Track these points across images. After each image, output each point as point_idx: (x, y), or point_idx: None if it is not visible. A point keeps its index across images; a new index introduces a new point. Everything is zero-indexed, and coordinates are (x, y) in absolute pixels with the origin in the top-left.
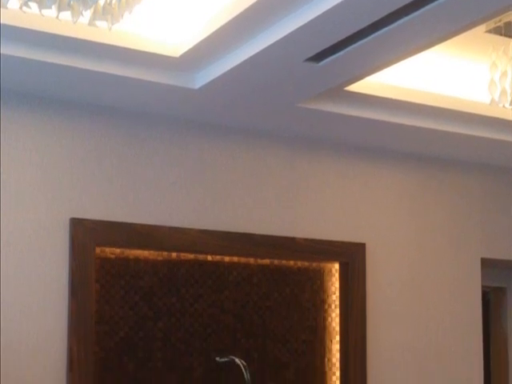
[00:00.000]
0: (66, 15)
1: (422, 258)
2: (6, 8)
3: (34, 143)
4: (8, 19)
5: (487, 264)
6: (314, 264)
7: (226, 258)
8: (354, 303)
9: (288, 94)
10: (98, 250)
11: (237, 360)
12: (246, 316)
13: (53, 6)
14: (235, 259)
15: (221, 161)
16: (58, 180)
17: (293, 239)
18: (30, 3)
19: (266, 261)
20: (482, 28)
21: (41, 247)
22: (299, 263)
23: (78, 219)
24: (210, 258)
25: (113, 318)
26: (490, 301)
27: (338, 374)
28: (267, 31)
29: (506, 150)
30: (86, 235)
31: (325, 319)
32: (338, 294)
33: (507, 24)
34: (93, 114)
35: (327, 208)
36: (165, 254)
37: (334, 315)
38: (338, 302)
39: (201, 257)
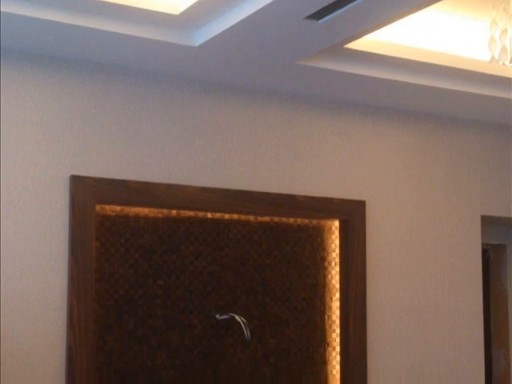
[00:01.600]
0: None
1: (422, 216)
2: None
3: (34, 101)
4: None
5: (487, 221)
6: (314, 221)
7: (226, 216)
8: (353, 260)
9: (288, 52)
10: (97, 207)
11: (237, 317)
12: (246, 273)
13: None
14: (235, 217)
15: (220, 118)
16: (58, 137)
17: (293, 197)
18: None
19: (266, 218)
20: None
21: (41, 205)
22: (299, 221)
23: (78, 177)
24: (209, 215)
25: (113, 275)
26: (490, 258)
27: (337, 331)
28: None
29: (506, 107)
30: (86, 193)
31: (325, 277)
32: (337, 251)
33: None
34: (93, 72)
35: (327, 165)
36: (165, 211)
37: (333, 272)
38: (337, 260)
39: (201, 214)
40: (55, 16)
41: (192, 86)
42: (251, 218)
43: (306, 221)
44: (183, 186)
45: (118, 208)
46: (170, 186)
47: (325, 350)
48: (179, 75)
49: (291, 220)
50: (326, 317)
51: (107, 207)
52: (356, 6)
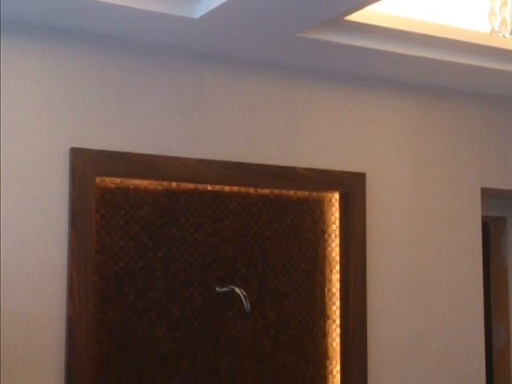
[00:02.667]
0: None
1: (422, 188)
2: None
3: (33, 73)
4: None
5: (487, 194)
6: (314, 194)
7: (226, 188)
8: (353, 233)
9: (288, 24)
10: (97, 179)
11: (237, 290)
12: (246, 246)
13: None
14: (235, 189)
15: (220, 91)
16: (58, 110)
17: (293, 169)
18: None
19: (266, 190)
20: None
21: (41, 177)
22: (299, 193)
23: (78, 149)
24: (209, 187)
25: (113, 247)
26: (490, 231)
27: (337, 303)
28: None
29: (506, 79)
30: (86, 165)
31: (325, 249)
32: (337, 223)
33: None
34: (93, 44)
35: (327, 138)
36: (165, 183)
37: (333, 245)
38: (337, 232)
39: (201, 186)
40: None
41: (192, 58)
42: (251, 190)
43: (306, 193)
44: (183, 158)
45: (117, 180)
46: (169, 159)
47: (325, 322)
48: (179, 47)
49: (291, 192)
50: (326, 289)
51: (107, 179)
52: None
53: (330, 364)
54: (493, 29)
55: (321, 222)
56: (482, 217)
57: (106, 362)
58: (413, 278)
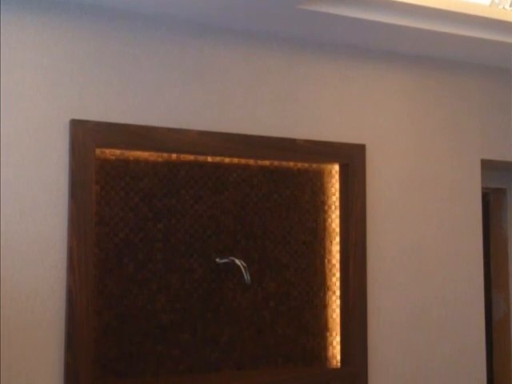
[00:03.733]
0: None
1: (422, 160)
2: None
3: (34, 45)
4: None
5: (487, 165)
6: (314, 165)
7: (226, 160)
8: (353, 204)
9: None
10: (97, 151)
11: (237, 261)
12: (246, 217)
13: None
14: (235, 160)
15: (220, 62)
16: (58, 81)
17: (293, 140)
18: None
19: (266, 162)
20: None
21: (41, 149)
22: (299, 164)
23: (78, 120)
24: (209, 159)
25: (113, 219)
26: (490, 202)
27: (337, 275)
28: None
29: (506, 51)
30: (86, 136)
31: (325, 220)
32: (337, 195)
33: None
34: (93, 16)
35: (327, 109)
36: (165, 155)
37: (333, 216)
38: (337, 204)
39: (201, 158)
40: None
41: (192, 29)
42: (251, 161)
43: (306, 165)
44: (183, 129)
45: (117, 152)
46: (170, 130)
47: (325, 293)
48: (179, 19)
49: (291, 164)
50: (326, 261)
51: (107, 151)
52: None
53: (330, 335)
54: (493, 0)
55: (321, 193)
56: (482, 188)
57: (106, 333)
58: (413, 249)
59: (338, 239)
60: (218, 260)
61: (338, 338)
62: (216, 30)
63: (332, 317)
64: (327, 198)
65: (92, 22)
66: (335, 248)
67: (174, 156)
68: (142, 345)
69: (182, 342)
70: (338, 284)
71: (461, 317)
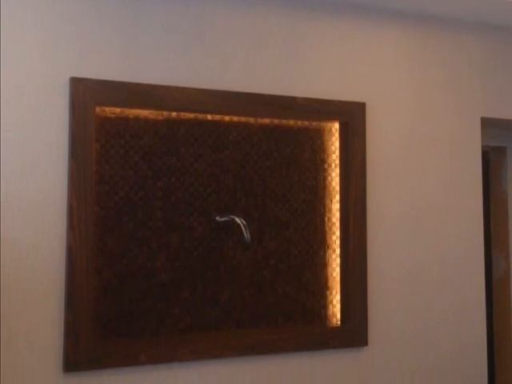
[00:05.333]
0: None
1: (422, 118)
2: None
3: (34, 3)
4: None
5: (487, 123)
6: (314, 123)
7: (226, 118)
8: (353, 162)
9: None
10: (97, 109)
11: (237, 219)
12: (246, 175)
13: None
14: (235, 118)
15: (221, 20)
16: (58, 40)
17: (293, 98)
18: None
19: (266, 120)
20: None
21: (40, 107)
22: (299, 123)
23: (78, 78)
24: (209, 117)
25: (112, 177)
26: (490, 160)
27: (337, 233)
28: None
29: (506, 8)
30: (85, 95)
31: (325, 178)
32: (337, 153)
33: None
34: None
35: (327, 67)
36: (165, 113)
37: (333, 174)
38: (337, 162)
39: (201, 116)
40: None
41: None
42: (251, 120)
43: (306, 123)
44: (183, 87)
45: (117, 110)
46: (170, 88)
47: (325, 252)
48: None
49: (291, 122)
50: (326, 219)
51: (107, 109)
52: None
53: (330, 294)
54: None
55: (321, 151)
56: (482, 146)
57: (106, 291)
58: (413, 208)
59: (337, 197)
60: (217, 218)
61: (338, 297)
62: None
63: (332, 275)
64: (327, 156)
65: None
66: (335, 206)
67: (173, 114)
68: (142, 303)
69: (181, 301)
70: (337, 242)
71: (461, 275)
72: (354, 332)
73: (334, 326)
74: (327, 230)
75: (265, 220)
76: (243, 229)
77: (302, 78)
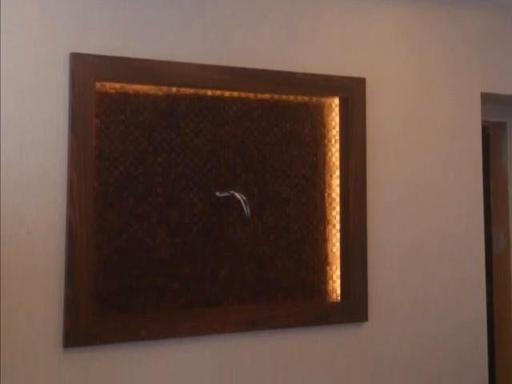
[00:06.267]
0: None
1: (422, 94)
2: None
3: None
4: None
5: (487, 99)
6: (314, 99)
7: (226, 93)
8: (353, 138)
9: None
10: (97, 84)
11: (237, 195)
12: (246, 151)
13: None
14: (235, 94)
15: None
16: (58, 15)
17: (293, 74)
18: None
19: (266, 96)
20: None
21: (40, 83)
22: (299, 98)
23: (78, 54)
24: (209, 92)
25: (113, 153)
26: (490, 136)
27: (337, 208)
28: None
29: None
30: (86, 70)
31: (325, 154)
32: (337, 128)
33: None
34: None
35: (327, 43)
36: (165, 88)
37: (334, 150)
38: (337, 137)
39: (201, 91)
40: None
41: None
42: (251, 95)
43: (306, 98)
44: (183, 63)
45: (117, 85)
46: (170, 64)
47: (325, 227)
48: None
49: (291, 97)
50: (326, 194)
51: (107, 84)
52: None
53: (330, 269)
54: None
55: (321, 127)
56: (482, 122)
57: (106, 267)
58: (413, 183)
59: (337, 173)
60: (217, 194)
61: (338, 272)
62: None
63: (332, 251)
64: (327, 132)
65: None
66: (335, 182)
67: (173, 89)
68: (142, 279)
69: (181, 277)
70: (337, 218)
71: (461, 251)
72: (354, 307)
73: (334, 301)
74: (327, 205)
75: (265, 195)
76: (243, 204)
77: (302, 53)
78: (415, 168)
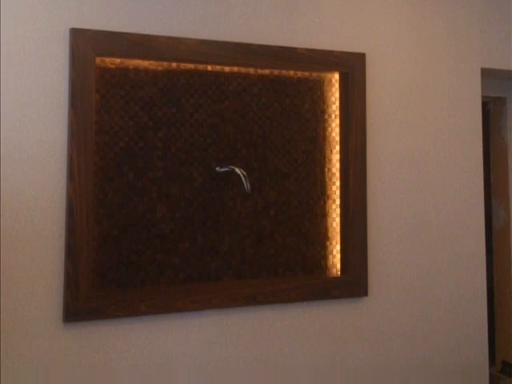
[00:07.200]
0: None
1: (422, 69)
2: None
3: None
4: None
5: (487, 74)
6: (314, 74)
7: (226, 68)
8: (353, 113)
9: None
10: (97, 60)
11: (237, 170)
12: (246, 126)
13: None
14: (235, 69)
15: None
16: None
17: (293, 49)
18: None
19: (266, 71)
20: None
21: (40, 58)
22: (299, 73)
23: (78, 29)
24: (209, 68)
25: (113, 128)
26: (490, 111)
27: (337, 183)
28: None
29: None
30: (86, 45)
31: (325, 129)
32: (337, 104)
33: None
34: None
35: (327, 18)
36: (165, 64)
37: (333, 125)
38: (337, 112)
39: (201, 67)
40: None
41: None
42: (251, 70)
43: (306, 73)
44: (183, 38)
45: (117, 60)
46: (170, 39)
47: (325, 202)
48: None
49: (291, 73)
50: (326, 169)
51: (107, 60)
52: None
53: (330, 244)
54: None
55: (321, 102)
56: (482, 97)
57: (106, 242)
58: (413, 158)
59: (337, 148)
60: (217, 169)
61: (338, 247)
62: None
63: (332, 226)
64: (327, 107)
65: None
66: (335, 157)
67: (173, 65)
68: (142, 254)
69: (181, 251)
70: (338, 193)
71: (461, 225)
72: (353, 282)
73: (334, 276)
74: (327, 180)
75: (265, 170)
76: (243, 179)
77: (303, 28)
78: (415, 142)
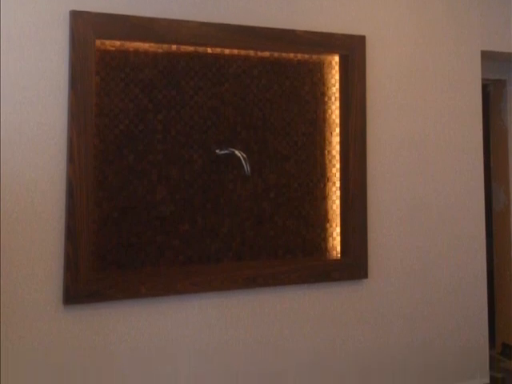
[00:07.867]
0: None
1: (422, 51)
2: None
3: None
4: None
5: (487, 56)
6: (314, 56)
7: (226, 51)
8: (353, 96)
9: None
10: (97, 42)
11: (237, 152)
12: (246, 108)
13: None
14: (235, 52)
15: None
16: None
17: (293, 31)
18: None
19: (266, 53)
20: None
21: (41, 40)
22: (299, 56)
23: (77, 12)
24: (209, 50)
25: (113, 110)
26: (490, 93)
27: (337, 166)
28: None
29: None
30: (86, 28)
31: (325, 112)
32: (337, 86)
33: None
34: None
35: (328, 1)
36: (165, 46)
37: (333, 107)
38: (337, 95)
39: (201, 49)
40: None
41: None
42: (251, 52)
43: (306, 56)
44: (183, 20)
45: (117, 43)
46: (170, 21)
47: (325, 185)
48: None
49: (291, 55)
50: (326, 152)
51: (107, 42)
52: None
53: (330, 226)
54: None
55: (321, 84)
56: (482, 80)
57: (106, 224)
58: (413, 140)
59: (338, 130)
60: (217, 151)
61: (338, 230)
62: None
63: (332, 208)
64: (327, 89)
65: None
66: (335, 139)
67: (174, 47)
68: (142, 236)
69: (181, 233)
70: (338, 175)
71: (461, 208)
72: (354, 264)
73: (334, 258)
74: (327, 162)
75: (265, 153)
76: (243, 161)
77: (303, 11)
78: (416, 125)
